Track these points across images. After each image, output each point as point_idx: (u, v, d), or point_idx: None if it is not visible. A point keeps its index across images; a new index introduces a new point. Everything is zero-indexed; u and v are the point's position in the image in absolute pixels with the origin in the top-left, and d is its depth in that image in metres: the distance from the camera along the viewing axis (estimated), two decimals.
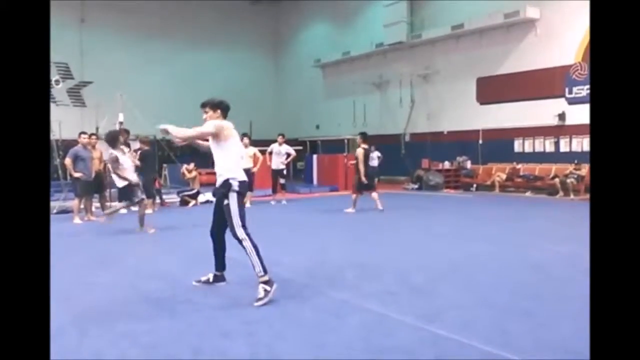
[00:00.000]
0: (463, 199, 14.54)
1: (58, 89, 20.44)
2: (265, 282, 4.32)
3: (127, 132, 12.08)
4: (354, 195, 11.12)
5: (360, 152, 11.00)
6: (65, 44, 19.89)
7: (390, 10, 20.39)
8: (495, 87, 17.65)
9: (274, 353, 3.25)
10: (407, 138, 20.70)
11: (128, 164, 8.26)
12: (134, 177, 8.26)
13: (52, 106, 18.82)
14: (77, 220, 9.35)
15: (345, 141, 21.04)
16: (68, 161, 9.39)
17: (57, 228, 8.65)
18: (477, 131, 17.89)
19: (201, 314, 4.05)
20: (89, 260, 6.35)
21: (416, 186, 17.53)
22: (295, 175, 21.74)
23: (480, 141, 17.87)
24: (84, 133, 9.98)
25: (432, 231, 8.63)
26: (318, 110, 24.71)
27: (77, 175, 9.29)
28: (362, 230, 8.62)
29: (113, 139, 8.21)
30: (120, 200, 8.45)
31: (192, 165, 13.47)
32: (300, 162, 21.29)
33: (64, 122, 16.07)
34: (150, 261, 6.28)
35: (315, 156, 19.43)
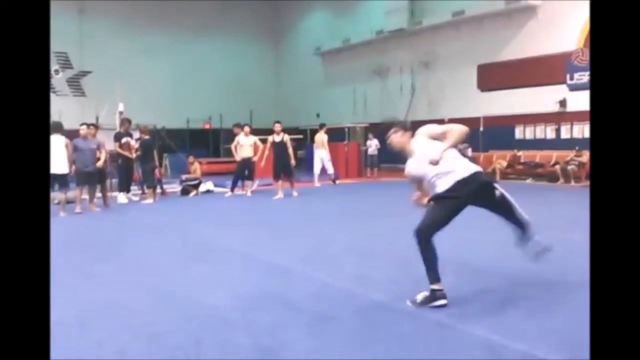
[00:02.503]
0: None
1: (58, 79, 20.41)
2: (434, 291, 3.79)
3: (128, 121, 12.08)
4: (279, 183, 11.71)
5: (287, 138, 11.89)
6: (64, 33, 19.78)
7: None
8: (496, 73, 17.57)
9: (275, 342, 3.27)
10: (408, 126, 20.63)
11: (56, 154, 8.65)
12: (59, 168, 8.84)
13: (52, 96, 18.81)
14: (77, 209, 9.37)
15: (346, 129, 20.97)
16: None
17: (57, 219, 8.70)
18: (478, 118, 17.83)
19: (201, 305, 4.06)
20: (90, 251, 6.37)
21: None
22: (297, 164, 21.67)
23: (481, 128, 17.81)
24: (85, 124, 9.97)
25: None
26: (318, 99, 24.61)
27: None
28: (363, 219, 8.62)
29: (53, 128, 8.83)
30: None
31: (191, 158, 13.54)
32: (300, 151, 21.22)
33: (65, 112, 16.06)
34: (151, 253, 6.30)
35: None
